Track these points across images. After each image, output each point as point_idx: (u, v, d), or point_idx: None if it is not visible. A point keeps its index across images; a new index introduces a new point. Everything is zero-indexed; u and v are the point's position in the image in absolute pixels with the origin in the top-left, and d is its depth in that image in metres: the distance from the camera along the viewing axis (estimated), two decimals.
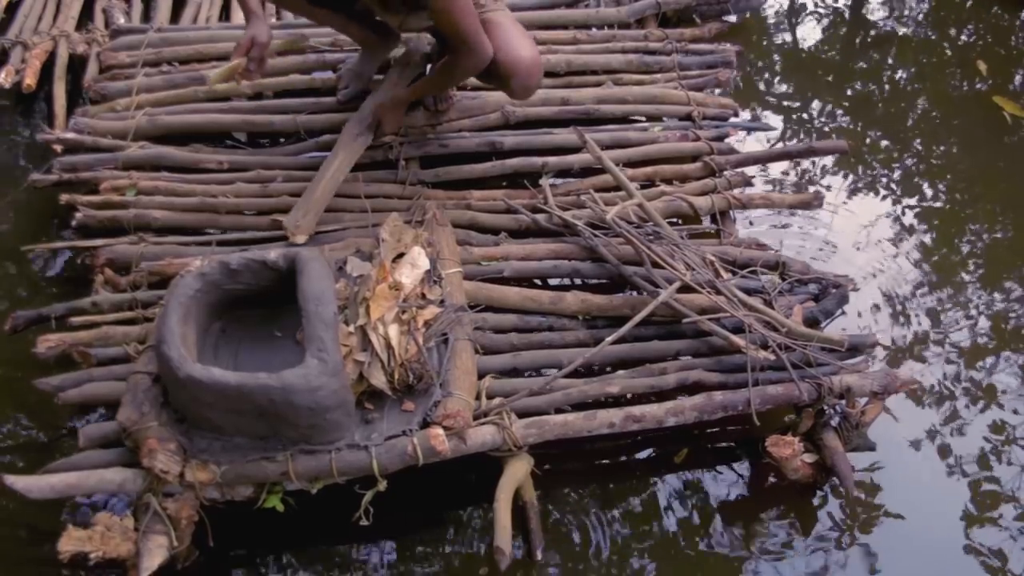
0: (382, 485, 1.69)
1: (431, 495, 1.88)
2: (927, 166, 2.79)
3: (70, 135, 2.32)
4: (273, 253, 1.74)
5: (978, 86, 3.07)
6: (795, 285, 2.18)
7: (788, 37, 3.32)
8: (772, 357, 1.89)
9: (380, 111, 2.27)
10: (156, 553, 1.60)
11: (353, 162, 2.23)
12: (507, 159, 2.40)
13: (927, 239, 2.56)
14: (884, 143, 2.86)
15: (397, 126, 2.33)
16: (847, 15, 3.48)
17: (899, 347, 2.26)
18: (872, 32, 3.36)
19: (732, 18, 3.16)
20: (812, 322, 2.12)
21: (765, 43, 3.24)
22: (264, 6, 2.09)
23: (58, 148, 2.32)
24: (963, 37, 3.32)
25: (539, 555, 1.78)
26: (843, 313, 2.23)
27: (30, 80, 2.63)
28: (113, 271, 2.04)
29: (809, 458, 1.89)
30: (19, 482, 1.59)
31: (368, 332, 1.74)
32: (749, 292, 2.10)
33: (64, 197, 2.18)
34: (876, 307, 2.35)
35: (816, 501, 1.94)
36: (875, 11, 3.47)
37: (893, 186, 2.72)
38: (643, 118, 2.62)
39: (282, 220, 2.10)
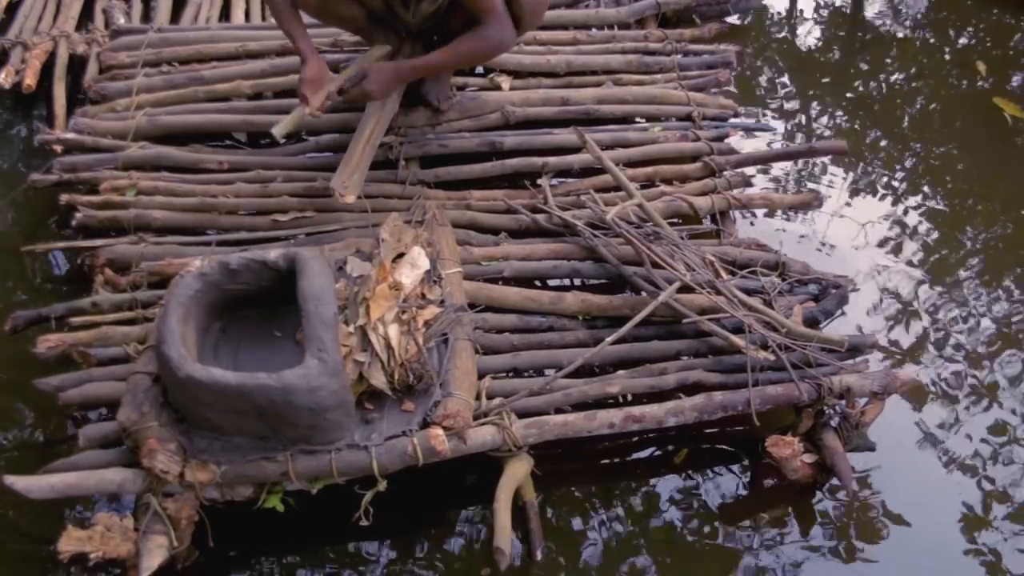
0: (382, 485, 1.69)
1: (431, 495, 1.88)
2: (927, 166, 2.79)
3: (70, 135, 2.32)
4: (273, 253, 1.74)
5: (979, 84, 3.07)
6: (795, 285, 2.18)
7: (788, 37, 3.32)
8: (772, 357, 1.89)
9: (370, 67, 2.12)
10: (156, 553, 1.60)
11: (388, 123, 2.25)
12: (507, 159, 2.40)
13: (927, 239, 2.56)
14: (884, 143, 2.86)
15: (384, 89, 2.13)
16: (847, 15, 3.48)
17: (899, 347, 2.26)
18: (872, 33, 3.36)
19: (732, 18, 3.16)
20: (812, 322, 2.12)
21: (765, 43, 3.25)
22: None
23: (58, 148, 2.32)
24: (963, 39, 3.32)
25: (539, 555, 1.78)
26: (843, 313, 2.23)
27: (30, 80, 2.63)
28: (113, 271, 2.04)
29: (809, 458, 1.89)
30: (19, 482, 1.59)
31: (368, 332, 1.74)
32: (749, 292, 2.09)
33: (64, 197, 2.18)
34: (876, 307, 2.35)
35: (816, 501, 1.94)
36: (875, 12, 3.47)
37: (893, 186, 2.72)
38: (643, 118, 2.63)
39: (328, 184, 2.10)
